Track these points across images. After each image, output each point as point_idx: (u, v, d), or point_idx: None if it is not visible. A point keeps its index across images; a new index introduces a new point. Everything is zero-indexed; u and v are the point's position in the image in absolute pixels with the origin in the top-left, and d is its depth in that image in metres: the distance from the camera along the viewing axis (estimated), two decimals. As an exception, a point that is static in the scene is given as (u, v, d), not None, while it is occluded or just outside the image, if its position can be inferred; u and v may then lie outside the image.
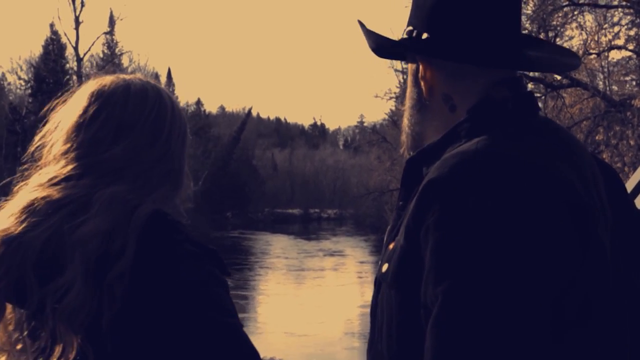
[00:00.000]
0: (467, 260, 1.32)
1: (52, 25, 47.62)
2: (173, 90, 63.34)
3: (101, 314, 1.58)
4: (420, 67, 1.67)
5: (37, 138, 1.88)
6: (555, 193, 1.37)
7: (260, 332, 21.83)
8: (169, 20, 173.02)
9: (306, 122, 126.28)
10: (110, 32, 52.48)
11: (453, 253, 1.33)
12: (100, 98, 1.83)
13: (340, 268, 37.55)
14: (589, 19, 22.20)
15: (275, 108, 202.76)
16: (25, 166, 1.86)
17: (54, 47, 47.45)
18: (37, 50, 65.47)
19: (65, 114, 1.85)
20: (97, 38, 46.85)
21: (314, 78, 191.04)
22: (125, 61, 52.17)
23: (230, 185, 64.28)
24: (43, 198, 1.70)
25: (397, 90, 44.38)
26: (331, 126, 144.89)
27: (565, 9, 20.88)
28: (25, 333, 1.71)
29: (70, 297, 1.58)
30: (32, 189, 1.74)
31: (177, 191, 1.86)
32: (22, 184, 1.82)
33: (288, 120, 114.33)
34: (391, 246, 1.55)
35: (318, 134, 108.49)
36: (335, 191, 78.28)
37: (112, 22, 52.61)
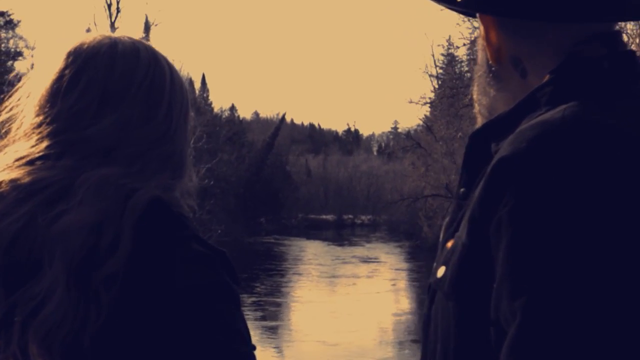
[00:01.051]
0: (554, 265, 1.00)
1: (88, 31, 47.97)
2: (207, 96, 63.64)
3: (84, 327, 1.27)
4: (482, 27, 1.35)
5: (3, 110, 1.51)
6: None
7: (292, 340, 21.65)
8: (203, 26, 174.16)
9: (340, 128, 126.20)
10: (146, 38, 51.83)
11: (534, 256, 1.02)
12: (79, 58, 1.47)
13: (373, 275, 37.25)
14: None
15: (309, 114, 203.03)
16: None
17: (90, 53, 47.84)
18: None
19: (38, 80, 1.49)
20: (133, 44, 46.79)
21: (348, 84, 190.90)
22: (160, 67, 52.08)
23: (264, 191, 64.36)
24: (10, 182, 1.34)
25: (432, 95, 44.09)
26: (365, 132, 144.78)
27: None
28: None
29: (48, 310, 1.25)
30: None
31: (178, 181, 1.52)
32: None
33: (322, 126, 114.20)
34: (449, 245, 1.26)
35: (352, 139, 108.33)
36: (369, 197, 78.05)
37: (147, 28, 52.79)
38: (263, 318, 24.47)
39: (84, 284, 1.28)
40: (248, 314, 26.12)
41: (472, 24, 22.17)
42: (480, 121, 1.40)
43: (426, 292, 1.36)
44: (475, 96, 1.42)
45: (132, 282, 1.31)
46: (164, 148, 1.48)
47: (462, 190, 1.30)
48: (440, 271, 1.25)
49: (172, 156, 1.50)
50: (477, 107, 1.42)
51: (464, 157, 1.31)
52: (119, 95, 1.45)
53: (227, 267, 1.41)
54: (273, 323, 23.89)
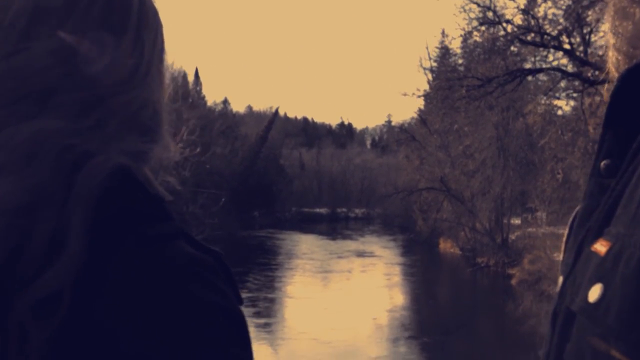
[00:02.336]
0: None
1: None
2: (200, 89, 63.27)
3: None
4: None
5: None
6: None
7: (286, 338, 21.34)
8: (196, 19, 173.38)
9: (333, 122, 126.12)
10: (138, 31, 52.41)
11: None
12: None
13: (367, 270, 36.99)
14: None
15: (302, 108, 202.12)
16: None
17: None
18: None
19: None
20: (124, 37, 46.41)
21: (341, 77, 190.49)
22: (152, 60, 51.75)
23: (258, 185, 64.27)
24: None
25: (427, 87, 43.81)
26: (358, 125, 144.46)
27: (600, 3, 20.20)
28: None
29: None
30: None
31: (152, 146, 1.03)
32: None
33: (315, 120, 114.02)
34: (601, 248, 0.83)
35: (345, 133, 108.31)
36: (362, 191, 78.04)
37: (139, 20, 52.51)
38: (256, 314, 24.15)
39: (2, 310, 0.80)
40: (243, 310, 25.66)
41: (467, 14, 21.80)
42: (615, 61, 0.97)
43: (550, 320, 0.93)
44: (609, 25, 0.97)
45: (84, 312, 0.82)
46: (132, 95, 1.01)
47: (604, 162, 0.90)
48: (594, 292, 0.81)
49: (143, 108, 1.02)
50: (612, 41, 0.96)
51: (608, 112, 0.89)
52: (60, 10, 0.97)
53: (228, 278, 0.99)
54: (266, 320, 23.57)
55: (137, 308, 0.84)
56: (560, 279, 0.93)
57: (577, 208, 0.95)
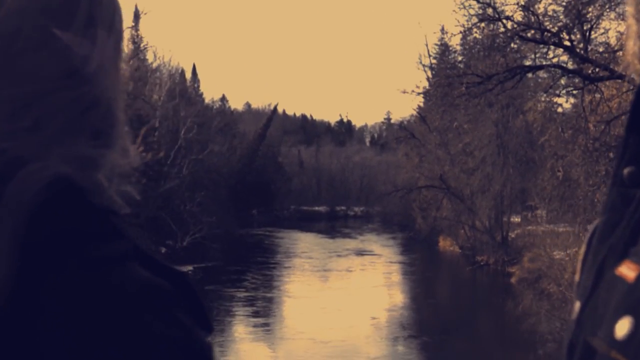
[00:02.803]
0: None
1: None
2: (198, 86, 63.14)
3: None
4: None
5: None
6: None
7: (284, 338, 21.33)
8: (194, 15, 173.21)
9: (332, 119, 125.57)
10: (135, 27, 52.19)
11: None
12: None
13: (366, 268, 36.99)
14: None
15: (301, 105, 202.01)
16: None
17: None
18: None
19: None
20: (122, 33, 46.27)
21: (340, 74, 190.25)
22: (150, 56, 51.86)
23: (256, 183, 64.15)
24: None
25: (426, 84, 43.74)
26: (358, 123, 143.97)
27: (600, -1, 20.23)
28: None
29: None
30: None
31: (105, 152, 0.90)
32: None
33: (314, 117, 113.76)
34: (626, 272, 0.72)
35: (344, 130, 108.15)
36: (362, 189, 77.96)
37: (136, 16, 52.31)
38: (255, 314, 24.11)
39: None
40: (240, 310, 25.85)
41: (467, 11, 21.77)
42: (638, 52, 0.81)
43: (566, 353, 0.81)
44: (631, 10, 0.80)
45: (13, 354, 0.72)
46: (80, 91, 0.86)
47: (628, 170, 0.78)
48: (622, 326, 0.69)
49: (94, 107, 0.88)
50: (634, 27, 0.80)
51: (631, 113, 0.79)
52: None
53: (194, 304, 0.86)
54: (264, 319, 23.53)
55: (80, 347, 0.73)
56: (577, 305, 0.80)
57: (596, 222, 0.84)
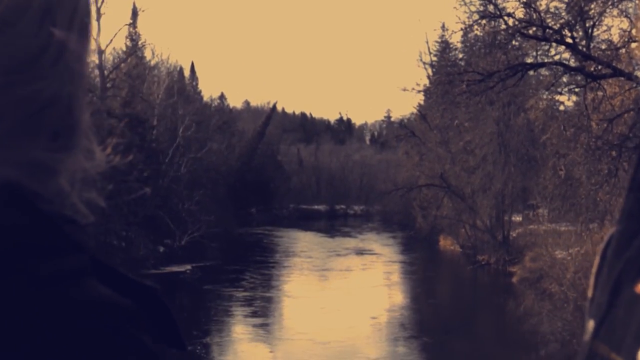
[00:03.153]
0: None
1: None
2: (196, 84, 63.07)
3: None
4: None
5: None
6: None
7: (284, 338, 21.23)
8: (192, 12, 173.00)
9: (332, 117, 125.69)
10: (133, 24, 52.13)
11: None
12: None
13: (366, 268, 36.91)
14: (631, 5, 21.31)
15: (300, 103, 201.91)
16: None
17: (75, 40, 47.30)
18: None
19: None
20: (119, 30, 46.30)
21: (340, 72, 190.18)
22: (148, 54, 51.79)
23: (255, 181, 64.10)
24: None
25: (427, 82, 43.66)
26: (357, 121, 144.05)
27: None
28: None
29: None
30: None
31: (65, 155, 0.79)
32: None
33: (313, 115, 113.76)
34: None
35: (344, 129, 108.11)
36: (361, 187, 77.88)
37: (134, 14, 52.25)
38: (254, 314, 24.01)
39: None
40: (238, 310, 25.74)
41: (468, 8, 21.65)
42: None
43: None
44: None
45: None
46: (34, 87, 0.75)
47: None
48: None
49: (50, 106, 0.77)
50: None
51: None
52: None
53: (164, 322, 0.78)
54: (264, 319, 23.43)
55: None
56: (591, 324, 0.71)
57: (611, 231, 0.74)
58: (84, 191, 0.81)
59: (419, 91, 42.67)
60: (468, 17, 21.61)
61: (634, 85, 18.71)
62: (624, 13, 20.25)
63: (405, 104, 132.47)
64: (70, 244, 0.73)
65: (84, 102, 0.82)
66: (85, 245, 0.74)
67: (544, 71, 24.28)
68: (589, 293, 0.77)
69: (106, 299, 0.71)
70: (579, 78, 20.63)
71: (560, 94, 26.27)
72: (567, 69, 20.44)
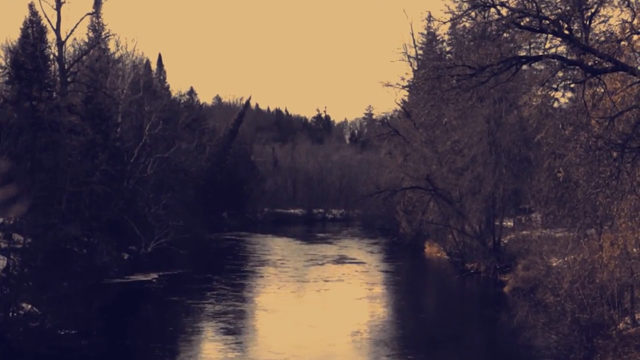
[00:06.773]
0: None
1: (31, 6, 46.48)
2: (164, 78, 62.53)
3: None
4: None
5: None
6: None
7: (255, 359, 20.72)
8: (159, 1, 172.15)
9: (309, 114, 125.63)
10: (96, 14, 51.56)
11: None
12: None
13: (346, 278, 36.59)
14: (634, -6, 21.15)
15: (275, 99, 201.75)
16: None
17: (33, 30, 46.49)
18: (16, 34, 64.73)
19: None
20: (81, 19, 45.53)
21: (318, 66, 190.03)
22: (111, 46, 51.41)
23: (227, 183, 63.98)
24: None
25: (411, 76, 43.49)
26: (337, 118, 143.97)
27: (603, -15, 19.91)
28: None
29: None
30: None
31: None
32: None
33: (289, 112, 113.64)
34: None
35: (322, 127, 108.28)
36: (341, 190, 78.02)
37: (97, 2, 51.66)
38: (224, 330, 23.35)
39: None
40: (207, 325, 25.13)
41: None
42: None
43: None
44: None
45: None
46: None
47: None
48: None
49: None
50: None
51: None
52: None
53: None
54: (235, 337, 22.71)
55: None
56: None
57: None
58: None
59: (404, 86, 42.48)
60: (458, 7, 21.32)
61: (637, 80, 18.42)
62: (626, 2, 19.99)
63: (388, 100, 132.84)
64: None
65: None
66: None
67: (538, 65, 24.07)
68: None
69: None
70: (576, 73, 20.38)
71: (556, 89, 26.05)
72: (565, 62, 20.13)
